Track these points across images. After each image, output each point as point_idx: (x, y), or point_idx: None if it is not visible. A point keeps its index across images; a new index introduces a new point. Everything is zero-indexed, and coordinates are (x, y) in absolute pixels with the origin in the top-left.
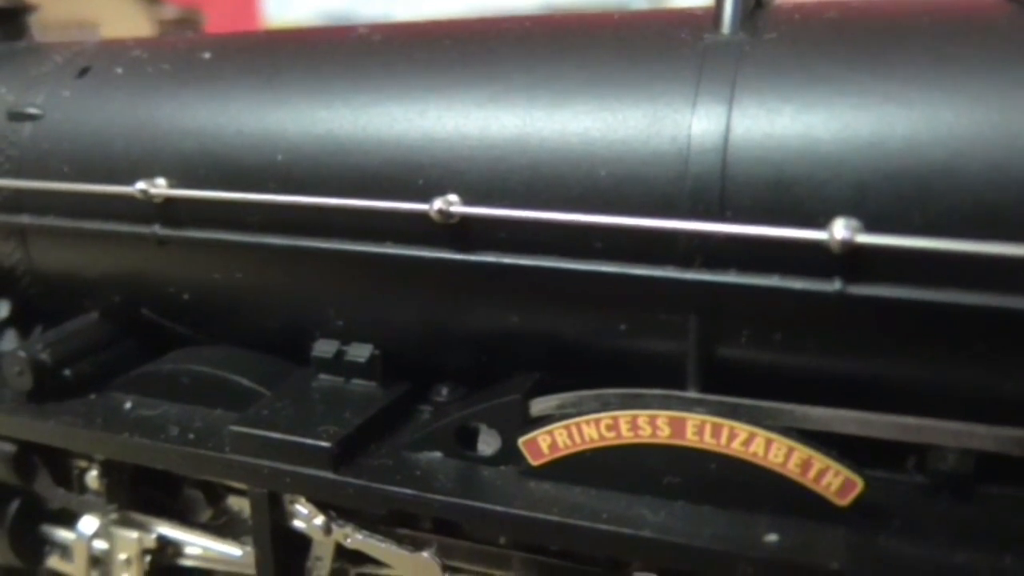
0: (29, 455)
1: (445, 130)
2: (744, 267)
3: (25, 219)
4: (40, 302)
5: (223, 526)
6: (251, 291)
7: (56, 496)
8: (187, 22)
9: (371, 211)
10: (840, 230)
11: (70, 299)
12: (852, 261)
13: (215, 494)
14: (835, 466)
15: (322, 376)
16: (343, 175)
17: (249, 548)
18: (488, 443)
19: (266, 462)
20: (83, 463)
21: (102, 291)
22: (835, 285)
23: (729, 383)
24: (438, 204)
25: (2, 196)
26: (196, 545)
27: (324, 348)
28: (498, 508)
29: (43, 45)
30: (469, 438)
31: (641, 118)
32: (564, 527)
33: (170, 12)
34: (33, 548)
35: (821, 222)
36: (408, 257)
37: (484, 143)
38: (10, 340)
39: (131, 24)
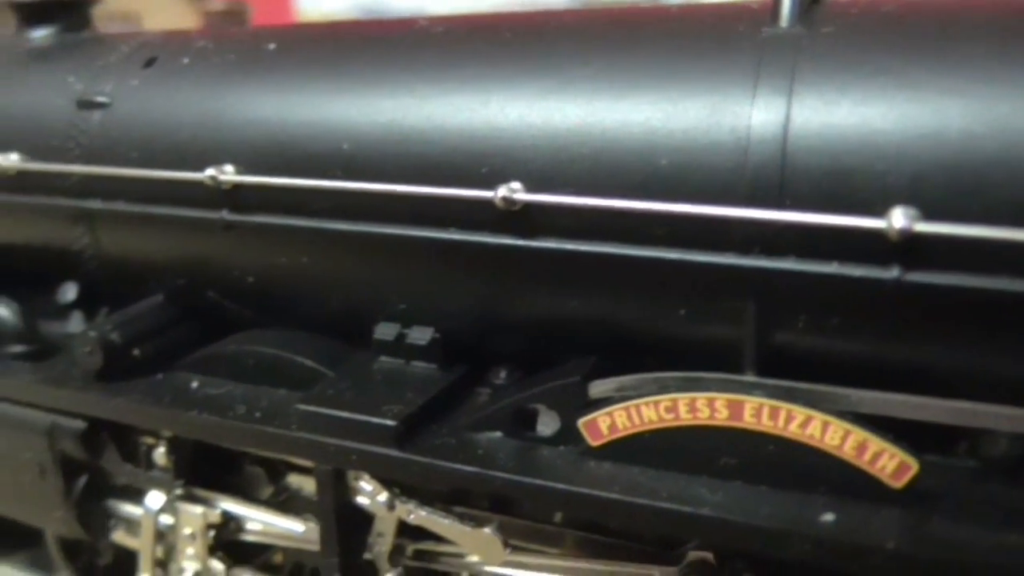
0: (98, 432)
1: (508, 119)
2: (802, 254)
3: (95, 204)
4: (106, 285)
5: (283, 503)
6: (315, 275)
7: (123, 472)
8: (233, 14)
9: (435, 198)
10: (898, 219)
11: (135, 282)
12: (910, 249)
13: (276, 471)
14: (890, 449)
15: (383, 358)
16: (407, 163)
17: (311, 524)
18: (546, 424)
19: (332, 440)
20: (150, 440)
21: (168, 274)
22: (893, 273)
23: (785, 367)
24: (502, 191)
25: (71, 181)
26: (258, 520)
27: (386, 331)
28: (559, 486)
29: (108, 36)
30: (528, 420)
31: (701, 109)
32: (624, 505)
33: (216, 4)
34: (99, 522)
35: (879, 211)
36: (471, 243)
37: (547, 132)
38: (77, 322)
39: (177, 17)
